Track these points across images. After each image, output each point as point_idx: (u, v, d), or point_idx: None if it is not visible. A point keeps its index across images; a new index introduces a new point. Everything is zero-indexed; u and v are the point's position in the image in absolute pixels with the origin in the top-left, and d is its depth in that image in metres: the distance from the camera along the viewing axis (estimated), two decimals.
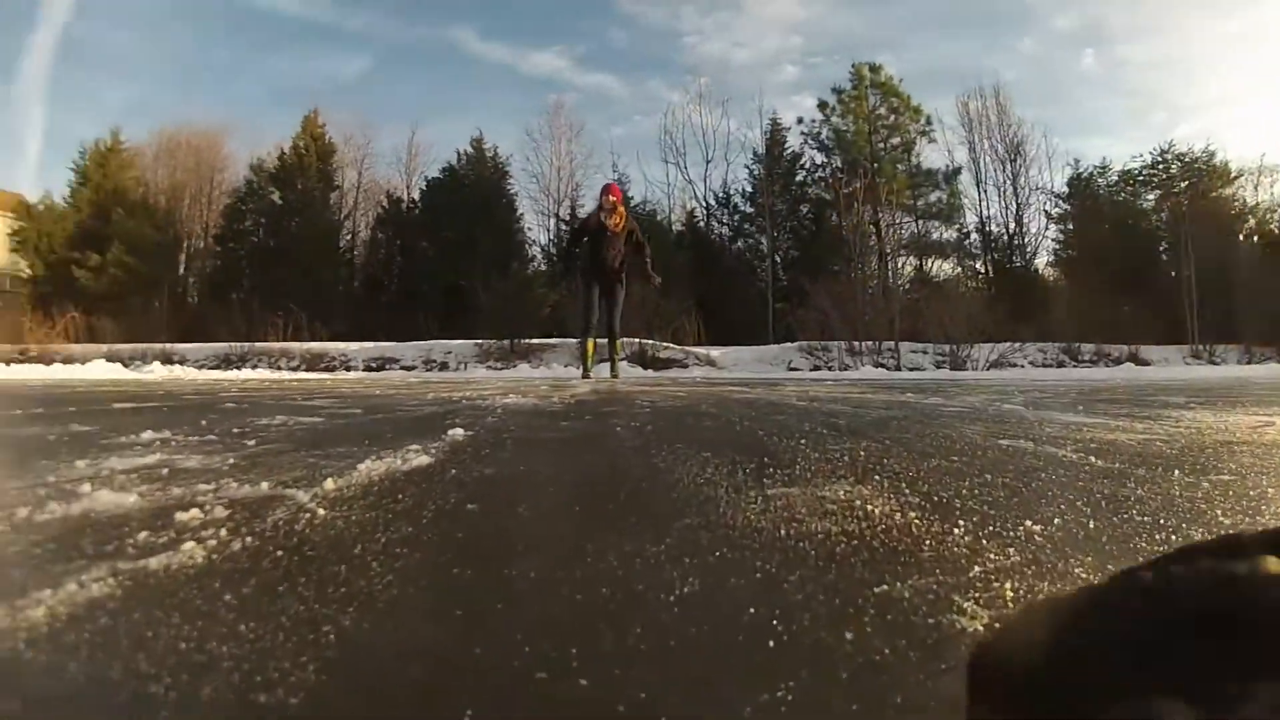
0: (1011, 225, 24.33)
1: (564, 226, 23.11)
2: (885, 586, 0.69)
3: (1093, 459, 1.56)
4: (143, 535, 0.88)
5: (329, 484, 1.23)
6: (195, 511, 1.00)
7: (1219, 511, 1.05)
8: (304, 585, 0.70)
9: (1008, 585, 0.69)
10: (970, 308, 15.39)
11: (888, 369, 13.97)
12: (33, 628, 0.59)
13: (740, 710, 0.45)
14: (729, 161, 25.74)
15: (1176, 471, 1.39)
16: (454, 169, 24.40)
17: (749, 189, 25.20)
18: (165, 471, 1.38)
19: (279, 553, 0.82)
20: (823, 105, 25.12)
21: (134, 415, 2.84)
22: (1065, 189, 24.34)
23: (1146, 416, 2.65)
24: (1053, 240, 24.39)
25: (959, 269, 24.32)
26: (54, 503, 1.07)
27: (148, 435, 1.94)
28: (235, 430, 2.16)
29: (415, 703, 0.48)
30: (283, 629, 0.59)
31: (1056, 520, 0.96)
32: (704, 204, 25.66)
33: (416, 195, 25.21)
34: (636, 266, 7.69)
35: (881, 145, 24.56)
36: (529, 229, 25.13)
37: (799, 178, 25.17)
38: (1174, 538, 0.89)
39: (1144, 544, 0.86)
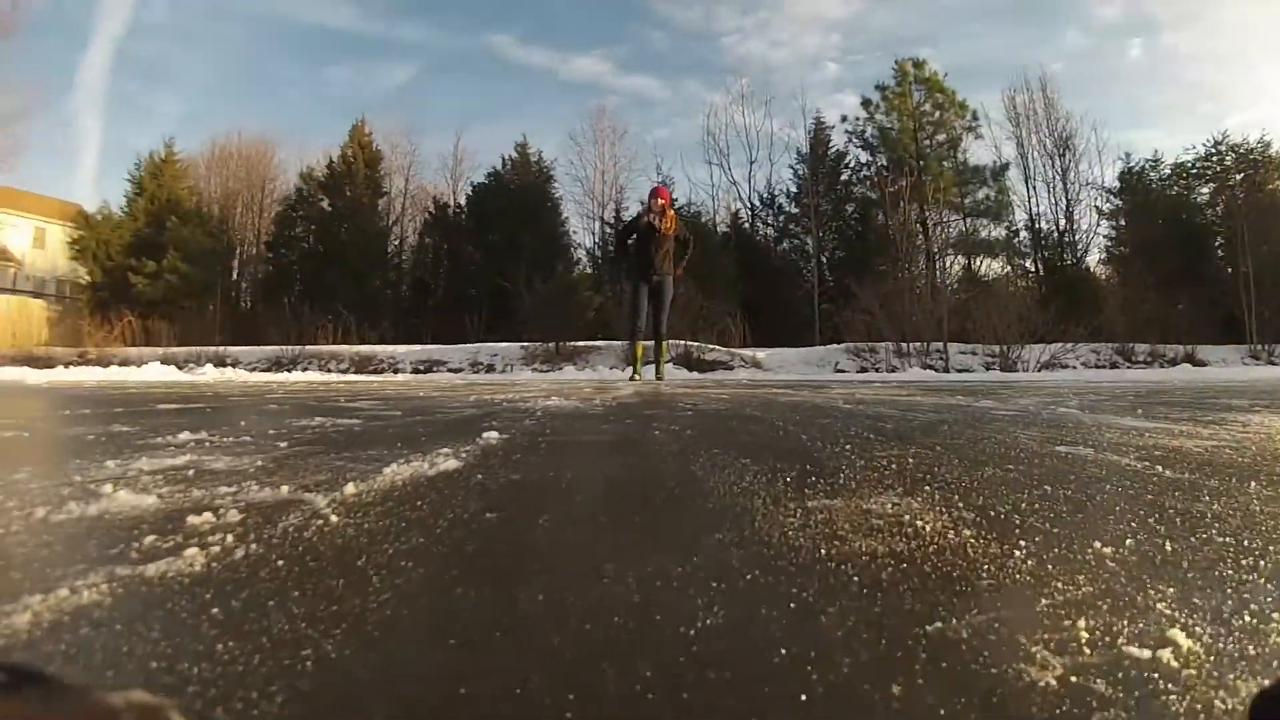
0: (1062, 222, 23.40)
1: (609, 230, 23.11)
2: (939, 623, 0.60)
3: (1159, 468, 1.45)
4: (150, 539, 0.86)
5: (349, 489, 1.19)
6: (208, 515, 0.98)
7: None
8: (296, 600, 0.66)
9: (1081, 623, 0.60)
10: (1020, 307, 14.86)
11: (936, 371, 13.63)
12: (14, 634, 0.58)
13: None
14: (773, 162, 25.67)
15: (1253, 483, 1.28)
16: (499, 174, 24.49)
17: (794, 189, 24.81)
18: (191, 473, 1.37)
19: (280, 562, 0.78)
20: (866, 103, 24.57)
21: (177, 416, 2.86)
22: (1116, 184, 23.28)
23: (1210, 421, 2.52)
24: (1104, 237, 23.35)
25: (1008, 268, 23.51)
26: (73, 503, 1.07)
27: (184, 436, 1.95)
28: (271, 431, 2.16)
29: None
30: (261, 650, 0.55)
31: (1128, 541, 0.86)
32: (748, 205, 25.42)
33: (463, 200, 25.38)
34: (675, 257, 7.61)
35: (927, 142, 23.92)
36: (574, 232, 25.16)
37: (844, 177, 24.67)
38: (1263, 562, 0.78)
39: (1230, 570, 0.76)
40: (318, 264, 22.79)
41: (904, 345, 14.89)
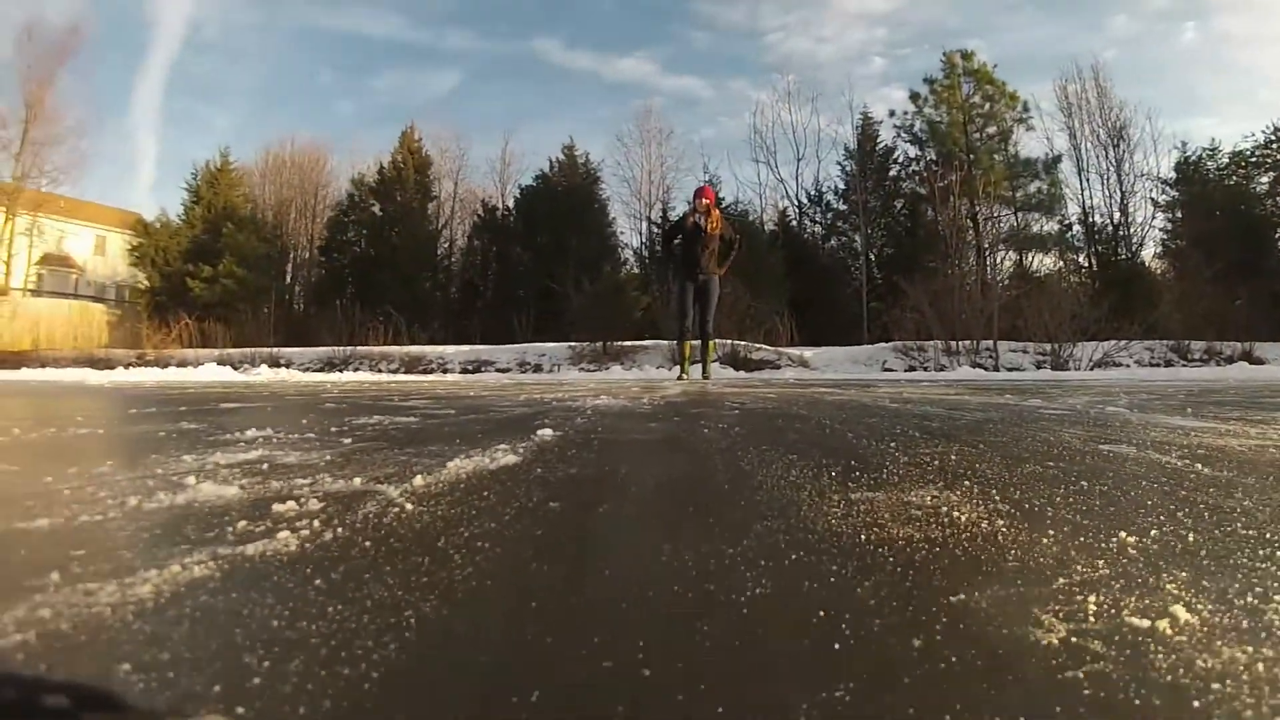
0: (1116, 215, 22.78)
1: (656, 230, 23.16)
2: (962, 595, 0.67)
3: (1199, 466, 1.46)
4: (241, 524, 0.94)
5: (418, 480, 1.27)
6: (291, 504, 1.05)
7: None
8: (389, 574, 0.73)
9: (1091, 599, 0.65)
10: (1073, 304, 14.45)
11: (986, 369, 13.38)
12: (140, 602, 0.64)
13: (796, 706, 0.45)
14: (820, 159, 25.30)
15: None
16: (547, 176, 24.72)
17: (842, 186, 24.63)
18: (265, 466, 1.45)
19: (367, 543, 0.85)
20: (914, 96, 24.20)
21: (239, 414, 3.00)
22: (1172, 174, 22.57)
23: (1260, 420, 2.48)
24: (1160, 230, 22.64)
25: (1060, 263, 22.92)
26: (162, 493, 1.14)
27: (251, 433, 2.04)
28: (333, 429, 2.26)
29: (486, 683, 0.50)
30: (367, 611, 0.62)
31: (1153, 532, 0.90)
32: (796, 203, 25.30)
33: (511, 203, 25.74)
34: (720, 256, 7.66)
35: (977, 135, 23.42)
36: (621, 233, 25.36)
37: (892, 172, 24.39)
38: (1279, 553, 0.82)
39: (1245, 559, 0.79)
40: (369, 267, 23.26)
41: (953, 343, 14.65)
